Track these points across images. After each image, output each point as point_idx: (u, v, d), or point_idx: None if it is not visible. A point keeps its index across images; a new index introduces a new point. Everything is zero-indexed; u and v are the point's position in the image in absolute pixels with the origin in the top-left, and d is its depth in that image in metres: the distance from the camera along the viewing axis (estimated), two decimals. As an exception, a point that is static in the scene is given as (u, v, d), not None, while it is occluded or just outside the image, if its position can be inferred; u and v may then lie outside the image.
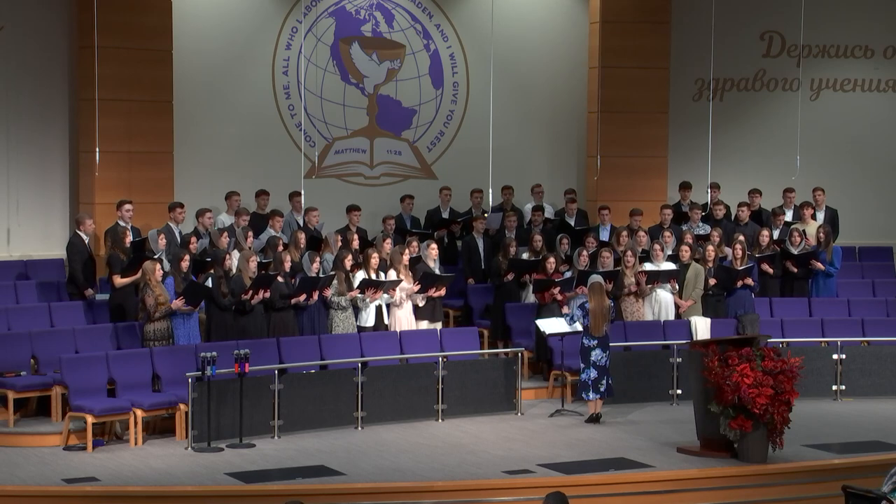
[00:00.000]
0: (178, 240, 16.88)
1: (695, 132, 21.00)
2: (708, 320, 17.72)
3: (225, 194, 18.20)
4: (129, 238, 16.44)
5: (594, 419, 15.83)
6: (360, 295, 16.53)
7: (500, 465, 13.72)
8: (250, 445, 14.54)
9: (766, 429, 13.94)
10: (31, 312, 16.13)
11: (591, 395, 15.77)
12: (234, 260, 16.18)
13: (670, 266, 17.84)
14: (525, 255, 18.29)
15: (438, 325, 17.21)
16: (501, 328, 17.95)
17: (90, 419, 14.16)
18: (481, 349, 17.32)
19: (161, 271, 15.50)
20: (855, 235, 20.84)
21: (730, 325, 17.80)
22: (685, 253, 17.87)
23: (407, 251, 17.15)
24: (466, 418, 16.03)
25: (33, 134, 18.03)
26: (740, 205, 19.59)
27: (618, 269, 17.66)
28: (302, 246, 16.91)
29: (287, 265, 16.34)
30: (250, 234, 17.13)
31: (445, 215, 19.65)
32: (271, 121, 19.47)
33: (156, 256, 16.02)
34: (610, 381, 15.82)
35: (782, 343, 17.32)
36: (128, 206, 16.91)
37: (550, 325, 16.38)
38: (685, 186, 20.28)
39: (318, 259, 16.50)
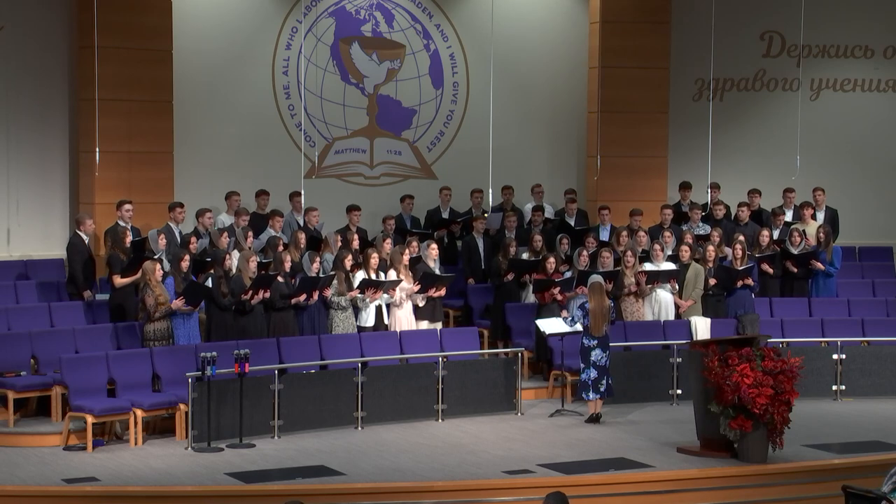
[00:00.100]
0: (178, 240, 16.88)
1: (695, 132, 21.00)
2: (708, 320, 17.72)
3: (225, 194, 18.20)
4: (129, 238, 16.44)
5: (594, 419, 15.83)
6: (359, 295, 16.53)
7: (500, 465, 13.72)
8: (250, 445, 14.54)
9: (766, 429, 13.94)
10: (31, 312, 16.13)
11: (591, 395, 15.77)
12: (234, 260, 16.18)
13: (670, 266, 17.84)
14: (525, 255, 18.29)
15: (438, 325, 17.21)
16: (501, 328, 17.95)
17: (90, 419, 14.16)
18: (481, 349, 17.32)
19: (161, 271, 15.50)
20: (855, 235, 20.84)
21: (730, 325, 17.80)
22: (685, 253, 17.87)
23: (407, 251, 17.15)
24: (466, 418, 16.03)
25: (33, 134, 18.03)
26: (740, 205, 19.60)
27: (618, 269, 17.66)
28: (302, 246, 16.90)
29: (287, 265, 16.34)
30: (250, 234, 17.13)
31: (445, 215, 19.65)
32: (271, 121, 19.47)
33: (156, 256, 16.02)
34: (610, 381, 15.82)
35: (782, 343, 17.32)
36: (128, 206, 16.91)
37: (550, 325, 16.38)
38: (685, 186, 20.28)
39: (318, 259, 16.50)
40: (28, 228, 18.05)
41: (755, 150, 21.63)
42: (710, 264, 17.97)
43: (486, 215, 19.37)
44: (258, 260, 16.28)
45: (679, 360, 16.87)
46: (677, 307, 17.82)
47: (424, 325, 17.05)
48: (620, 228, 18.82)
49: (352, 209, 18.49)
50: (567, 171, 21.08)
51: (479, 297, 18.62)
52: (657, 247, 17.92)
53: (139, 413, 14.46)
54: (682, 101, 21.21)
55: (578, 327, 15.91)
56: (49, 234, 18.11)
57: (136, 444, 14.45)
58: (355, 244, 17.29)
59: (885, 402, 17.26)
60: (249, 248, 16.86)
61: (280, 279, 16.10)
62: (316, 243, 17.42)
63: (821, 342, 17.94)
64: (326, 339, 16.23)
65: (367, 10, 19.96)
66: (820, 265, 18.87)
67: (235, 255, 16.35)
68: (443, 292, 17.21)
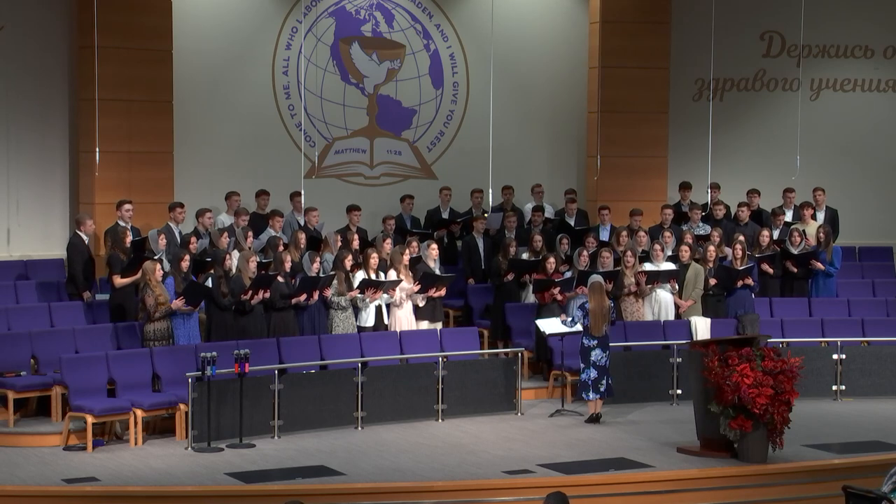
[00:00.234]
0: (178, 240, 16.88)
1: (695, 132, 21.00)
2: (708, 320, 17.72)
3: (225, 194, 18.20)
4: (130, 238, 16.44)
5: (594, 419, 15.83)
6: (359, 295, 16.53)
7: (500, 465, 13.72)
8: (250, 445, 14.54)
9: (766, 429, 13.94)
10: (31, 312, 16.13)
11: (591, 395, 15.77)
12: (234, 260, 16.18)
13: (670, 266, 17.84)
14: (525, 255, 18.29)
15: (439, 325, 17.20)
16: (501, 328, 17.95)
17: (90, 419, 14.16)
18: (481, 349, 17.32)
19: (161, 271, 15.50)
20: (855, 235, 20.84)
21: (730, 325, 17.79)
22: (685, 253, 17.87)
23: (407, 251, 17.15)
24: (466, 418, 16.03)
25: (33, 134, 18.03)
26: (740, 205, 19.60)
27: (618, 269, 17.66)
28: (302, 246, 16.90)
29: (287, 265, 16.34)
30: (250, 234, 17.13)
31: (445, 215, 19.65)
32: (271, 121, 19.47)
33: (156, 257, 16.02)
34: (610, 381, 15.82)
35: (782, 343, 17.32)
36: (128, 206, 16.91)
37: (550, 325, 16.38)
38: (685, 186, 20.28)
39: (318, 259, 16.50)
40: (28, 228, 18.05)
41: (755, 150, 21.63)
42: (710, 264, 17.97)
43: (486, 215, 19.37)
44: (258, 260, 16.28)
45: (679, 360, 16.87)
46: (677, 307, 17.82)
47: (424, 325, 17.05)
48: (620, 228, 18.82)
49: (352, 209, 18.49)
50: (567, 171, 21.08)
51: (479, 297, 18.62)
52: (657, 247, 17.92)
53: (139, 413, 14.46)
54: (682, 101, 21.21)
55: (578, 327, 15.91)
56: (49, 234, 18.11)
57: (136, 444, 14.45)
58: (355, 244, 17.29)
59: (885, 402, 17.26)
60: (249, 248, 16.86)
61: (280, 279, 16.10)
62: (316, 243, 17.42)
63: (821, 342, 17.94)
64: (326, 339, 16.23)
65: (367, 10, 19.96)
66: (820, 265, 18.87)
67: (235, 255, 16.35)
68: (443, 292, 17.21)
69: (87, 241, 16.51)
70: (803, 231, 18.97)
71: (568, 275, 17.54)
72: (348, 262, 16.67)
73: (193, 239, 16.58)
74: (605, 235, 19.25)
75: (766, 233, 18.87)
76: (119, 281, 15.96)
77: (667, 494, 13.23)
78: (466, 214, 19.66)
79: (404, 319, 16.91)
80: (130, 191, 17.72)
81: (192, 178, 18.71)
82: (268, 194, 18.53)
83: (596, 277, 16.31)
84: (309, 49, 19.57)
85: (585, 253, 17.80)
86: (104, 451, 14.22)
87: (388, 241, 17.51)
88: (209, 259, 16.28)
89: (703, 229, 19.10)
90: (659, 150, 20.81)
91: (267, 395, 14.95)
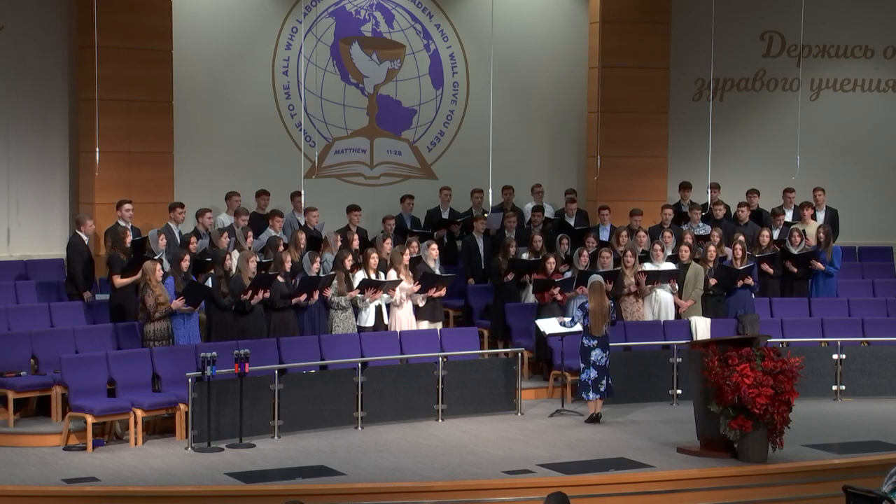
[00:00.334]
0: (178, 240, 16.88)
1: (695, 132, 21.00)
2: (708, 320, 17.72)
3: (225, 194, 18.20)
4: (130, 238, 16.43)
5: (594, 419, 15.82)
6: (359, 295, 16.53)
7: (500, 465, 13.72)
8: (250, 445, 14.53)
9: (766, 429, 13.93)
10: (31, 312, 16.13)
11: (591, 395, 15.77)
12: (234, 260, 16.18)
13: (670, 266, 17.84)
14: (525, 255, 18.29)
15: (439, 325, 17.20)
16: (501, 328, 17.95)
17: (90, 419, 14.15)
18: (481, 349, 17.32)
19: (161, 271, 15.50)
20: (855, 235, 20.84)
21: (730, 325, 17.79)
22: (685, 253, 17.87)
23: (407, 251, 17.15)
24: (466, 418, 16.03)
25: (33, 134, 18.03)
26: (740, 205, 19.60)
27: (618, 269, 17.66)
28: (302, 246, 16.90)
29: (287, 265, 16.34)
30: (250, 234, 17.13)
31: (445, 215, 19.65)
32: (271, 121, 19.47)
33: (156, 257, 16.02)
34: (610, 381, 15.82)
35: (782, 343, 17.32)
36: (128, 206, 16.91)
37: (550, 325, 16.38)
38: (685, 186, 20.28)
39: (318, 259, 16.50)
40: (28, 228, 18.05)
41: (755, 150, 21.63)
42: (710, 264, 17.97)
43: (486, 215, 19.37)
44: (258, 260, 16.28)
45: (679, 360, 16.87)
46: (677, 307, 17.82)
47: (425, 325, 17.05)
48: (620, 228, 18.82)
49: (352, 209, 18.49)
50: (567, 171, 21.08)
51: (479, 297, 18.62)
52: (657, 247, 17.92)
53: (139, 413, 14.46)
54: (682, 101, 21.21)
55: (578, 328, 15.90)
56: (49, 235, 18.11)
57: (136, 444, 14.45)
58: (355, 244, 17.29)
59: (885, 402, 17.26)
60: (249, 248, 16.86)
61: (280, 279, 16.10)
62: (316, 243, 17.42)
63: (821, 342, 17.94)
64: (326, 339, 16.23)
65: (367, 10, 19.96)
66: (820, 265, 18.87)
67: (235, 255, 16.35)
68: (443, 292, 17.21)
69: (86, 242, 16.50)
70: (803, 231, 18.97)
71: (568, 275, 17.54)
72: (348, 262, 16.67)
73: (193, 239, 16.58)
74: (605, 235, 19.24)
75: (766, 233, 18.87)
76: (119, 281, 15.96)
77: (667, 494, 13.23)
78: (466, 214, 19.66)
79: (404, 319, 16.90)
80: (130, 191, 17.72)
81: (192, 178, 18.71)
82: (268, 194, 18.53)
83: (596, 277, 16.31)
84: (309, 49, 19.57)
85: (586, 253, 17.80)
86: (104, 451, 14.22)
87: (388, 241, 17.51)
88: (209, 259, 16.28)
89: (703, 229, 19.10)
90: (659, 150, 20.81)
91: (267, 395, 14.95)
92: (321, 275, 16.41)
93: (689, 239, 18.24)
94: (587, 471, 13.56)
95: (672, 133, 20.94)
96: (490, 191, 19.93)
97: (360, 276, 16.63)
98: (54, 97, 18.13)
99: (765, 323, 17.95)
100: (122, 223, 16.78)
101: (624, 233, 18.62)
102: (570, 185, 20.74)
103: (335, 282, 16.42)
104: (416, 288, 16.91)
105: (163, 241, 16.48)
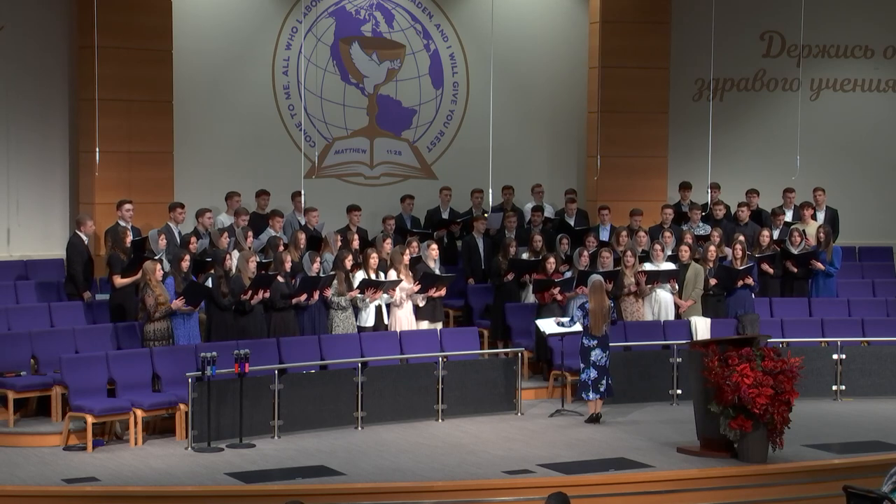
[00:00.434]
0: (178, 240, 16.87)
1: (695, 132, 21.00)
2: (708, 320, 17.71)
3: (225, 194, 18.20)
4: (130, 238, 16.43)
5: (594, 419, 15.82)
6: (359, 295, 16.53)
7: (500, 465, 13.72)
8: (250, 445, 14.53)
9: (766, 429, 13.93)
10: (31, 312, 16.13)
11: (591, 395, 15.77)
12: (234, 260, 16.18)
13: (670, 266, 17.84)
14: (525, 255, 18.29)
15: (439, 325, 17.20)
16: (501, 328, 17.95)
17: (90, 419, 14.15)
18: (481, 349, 17.32)
19: (161, 271, 15.50)
20: (855, 235, 20.84)
21: (730, 325, 17.80)
22: (685, 253, 17.87)
23: (407, 251, 17.15)
24: (466, 418, 16.03)
25: (33, 134, 18.03)
26: (740, 205, 19.60)
27: (618, 269, 17.66)
28: (302, 246, 16.90)
29: (287, 265, 16.34)
30: (250, 234, 17.13)
31: (445, 215, 19.65)
32: (271, 121, 19.47)
33: (156, 257, 16.02)
34: (610, 381, 15.82)
35: (782, 343, 17.32)
36: (128, 206, 16.91)
37: (550, 325, 16.37)
38: (685, 186, 20.28)
39: (318, 259, 16.50)
40: (28, 228, 18.05)
41: (755, 150, 21.63)
42: (710, 264, 17.97)
43: (486, 215, 19.37)
44: (258, 260, 16.28)
45: (679, 360, 16.87)
46: (677, 307, 17.82)
47: (425, 325, 17.05)
48: (620, 228, 18.82)
49: (352, 209, 18.49)
50: (567, 171, 21.08)
51: (479, 297, 18.62)
52: (657, 247, 17.92)
53: (139, 413, 14.46)
54: (682, 101, 21.21)
55: (578, 327, 15.90)
56: (49, 235, 18.11)
57: (136, 444, 14.45)
58: (355, 244, 17.29)
59: (885, 402, 17.26)
60: (249, 248, 16.86)
61: (280, 279, 16.10)
62: (316, 243, 17.42)
63: (821, 342, 17.94)
64: (326, 339, 16.23)
65: (367, 10, 19.96)
66: (820, 265, 18.87)
67: (235, 255, 16.35)
68: (443, 292, 17.21)
69: (86, 242, 16.50)
70: (803, 231, 18.97)
71: (568, 275, 17.54)
72: (348, 262, 16.67)
73: (193, 239, 16.58)
74: (605, 235, 19.24)
75: (766, 233, 18.87)
76: (119, 281, 15.96)
77: (667, 494, 13.23)
78: (466, 214, 19.66)
79: (404, 319, 16.90)
80: (130, 191, 17.72)
81: (192, 178, 18.71)
82: (268, 194, 18.53)
83: (596, 277, 16.29)
84: (309, 49, 19.57)
85: (586, 253, 17.80)
86: (104, 451, 14.22)
87: (388, 241, 17.51)
88: (209, 259, 16.28)
89: (703, 229, 19.10)
90: (659, 150, 20.81)
91: (267, 395, 14.95)
92: (321, 275, 16.41)
93: (689, 239, 18.24)
94: (587, 471, 13.56)
95: (672, 133, 20.94)
96: (490, 191, 19.93)
97: (360, 276, 16.63)
98: (54, 97, 18.13)
99: (765, 323, 17.95)
100: (122, 223, 16.78)
101: (624, 233, 18.62)
102: (570, 185, 20.74)
103: (335, 282, 16.42)
104: (416, 288, 16.91)
105: (163, 241, 16.48)
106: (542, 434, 15.32)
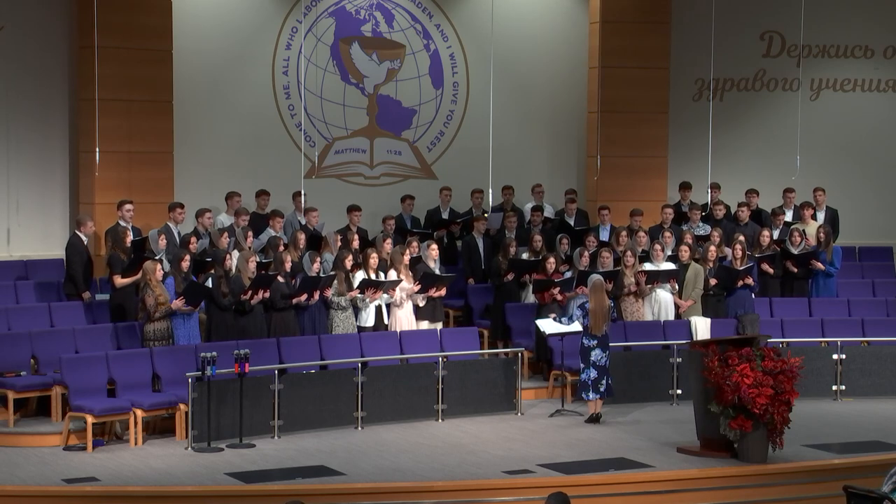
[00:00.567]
0: (177, 240, 16.87)
1: (695, 132, 21.00)
2: (708, 320, 17.71)
3: (225, 194, 18.20)
4: (130, 238, 16.44)
5: (594, 419, 15.82)
6: (359, 295, 16.53)
7: (500, 465, 13.72)
8: (250, 445, 14.53)
9: (766, 429, 13.93)
10: (30, 312, 16.13)
11: (591, 395, 15.77)
12: (234, 260, 16.18)
13: (670, 266, 17.84)
14: (525, 255, 18.29)
15: (439, 325, 17.20)
16: (501, 328, 17.95)
17: (90, 419, 14.15)
18: (481, 349, 17.32)
19: (161, 271, 15.50)
20: (855, 235, 20.84)
21: (730, 325, 17.80)
22: (685, 253, 17.87)
23: (407, 251, 17.15)
24: (466, 418, 16.03)
25: (33, 134, 18.03)
26: (740, 205, 19.60)
27: (617, 269, 17.65)
28: (301, 246, 16.90)
29: (287, 265, 16.34)
30: (250, 234, 17.13)
31: (445, 215, 19.65)
32: (271, 121, 19.47)
33: (156, 257, 16.02)
34: (610, 381, 15.82)
35: (782, 343, 17.32)
36: (128, 206, 16.92)
37: (550, 325, 16.37)
38: (685, 186, 20.29)
39: (318, 259, 16.50)
40: (28, 228, 18.05)
41: (755, 150, 21.63)
42: (710, 264, 17.97)
43: (486, 215, 19.37)
44: (258, 260, 16.28)
45: (679, 360, 16.87)
46: (677, 307, 17.82)
47: (425, 325, 17.05)
48: (620, 228, 18.82)
49: (352, 209, 18.50)
50: (567, 171, 21.08)
51: (479, 297, 18.62)
52: (657, 247, 17.92)
53: (139, 413, 14.46)
54: (682, 101, 21.21)
55: (577, 327, 15.90)
56: (49, 235, 18.11)
57: (136, 444, 14.45)
58: (355, 244, 17.28)
59: (885, 402, 17.25)
60: (249, 248, 16.86)
61: (280, 279, 16.10)
62: (316, 243, 17.42)
63: (821, 342, 17.94)
64: (326, 339, 16.23)
65: (367, 10, 19.96)
66: (820, 265, 18.87)
67: (235, 255, 16.35)
68: (443, 292, 17.21)
69: (85, 242, 16.50)
70: (803, 231, 18.97)
71: (568, 275, 17.54)
72: (348, 262, 16.67)
73: (193, 239, 16.58)
74: (605, 235, 19.24)
75: (766, 233, 18.87)
76: (119, 281, 15.96)
77: (667, 494, 13.23)
78: (466, 214, 19.66)
79: (404, 319, 16.90)
80: (130, 191, 17.72)
81: (192, 178, 18.71)
82: (268, 194, 18.53)
83: (596, 276, 16.28)
84: (309, 49, 19.57)
85: (587, 253, 17.80)
86: (104, 451, 14.22)
87: (388, 241, 17.51)
88: (209, 259, 16.28)
89: (703, 229, 19.10)
90: (659, 150, 20.81)
91: (267, 395, 14.95)
92: (321, 275, 16.41)
93: (689, 239, 18.24)
94: (587, 471, 13.56)
95: (672, 133, 20.94)
96: (490, 191, 19.93)
97: (360, 276, 16.63)
98: (54, 97, 18.13)
99: (765, 323, 17.95)
100: (122, 223, 16.78)
101: (624, 233, 18.62)
102: (570, 185, 20.74)
103: (335, 282, 16.42)
104: (417, 288, 16.91)
105: (163, 242, 16.48)
106: (542, 434, 15.32)
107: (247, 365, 14.54)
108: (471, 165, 20.17)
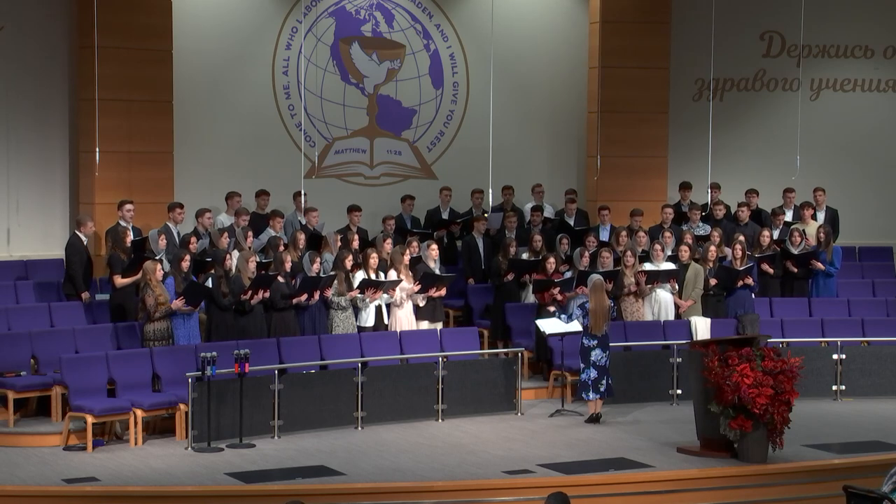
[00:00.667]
0: (177, 240, 16.87)
1: (695, 132, 21.00)
2: (708, 320, 17.71)
3: (225, 195, 18.20)
4: (130, 238, 16.44)
5: (594, 419, 15.82)
6: (359, 295, 16.53)
7: (500, 465, 13.72)
8: (250, 445, 14.53)
9: (766, 429, 13.93)
10: (30, 312, 16.13)
11: (591, 395, 15.77)
12: (234, 260, 16.18)
13: (670, 266, 17.84)
14: (525, 255, 18.29)
15: (439, 325, 17.20)
16: (501, 328, 17.95)
17: (90, 419, 14.15)
18: (481, 349, 17.32)
19: (161, 271, 15.50)
20: (855, 235, 20.84)
21: (730, 325, 17.79)
22: (685, 253, 17.87)
23: (407, 251, 17.15)
24: (466, 418, 16.03)
25: (33, 134, 18.03)
26: (740, 205, 19.60)
27: (617, 269, 17.65)
28: (301, 246, 16.90)
29: (287, 265, 16.34)
30: (250, 234, 17.13)
31: (445, 215, 19.65)
32: (271, 121, 19.47)
33: (157, 257, 16.02)
34: (610, 381, 15.82)
35: (782, 343, 17.32)
36: (129, 206, 16.92)
37: (550, 325, 16.37)
38: (685, 186, 20.29)
39: (318, 259, 16.50)
40: (28, 228, 18.05)
41: (755, 150, 21.63)
42: (710, 264, 17.97)
43: (486, 215, 19.37)
44: (258, 260, 16.28)
45: (679, 360, 16.87)
46: (677, 307, 17.82)
47: (425, 325, 17.05)
48: (620, 228, 18.82)
49: (353, 210, 18.50)
50: (567, 171, 21.08)
51: (479, 297, 18.62)
52: (657, 247, 17.92)
53: (139, 413, 14.46)
54: (682, 101, 21.21)
55: (577, 326, 15.90)
56: (49, 235, 18.10)
57: (136, 444, 14.45)
58: (355, 244, 17.28)
59: (885, 402, 17.26)
60: (249, 248, 16.86)
61: (280, 279, 16.10)
62: (316, 243, 17.42)
63: (821, 342, 17.94)
64: (326, 339, 16.23)
65: (367, 10, 19.96)
66: (820, 265, 18.87)
67: (235, 255, 16.35)
68: (443, 292, 17.21)
69: (85, 242, 16.50)
70: (803, 231, 18.97)
71: (568, 275, 17.54)
72: (348, 262, 16.67)
73: (193, 239, 16.59)
74: (604, 235, 19.24)
75: (766, 233, 18.88)
76: (120, 281, 15.96)
77: (667, 494, 13.23)
78: (466, 214, 19.66)
79: (404, 319, 16.90)
80: (130, 191, 17.72)
81: (192, 178, 18.71)
82: (268, 194, 18.53)
83: (596, 276, 16.28)
84: (309, 49, 19.57)
85: (587, 253, 17.80)
86: (104, 451, 14.22)
87: (389, 241, 17.51)
88: (209, 259, 16.28)
89: (703, 229, 19.10)
90: (659, 150, 20.81)
91: (267, 395, 14.95)
92: (321, 275, 16.41)
93: (689, 239, 18.24)
94: (587, 471, 13.56)
95: (672, 133, 20.94)
96: (490, 191, 19.92)
97: (360, 276, 16.63)
98: (54, 97, 18.13)
99: (765, 323, 17.95)
100: (122, 223, 16.78)
101: (624, 233, 18.62)
102: (570, 185, 20.74)
103: (335, 282, 16.42)
104: (417, 288, 16.91)
105: (163, 242, 16.48)
106: (542, 434, 15.32)
107: (247, 365, 14.54)
108: (471, 165, 20.17)
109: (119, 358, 14.95)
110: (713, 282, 17.93)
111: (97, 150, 17.62)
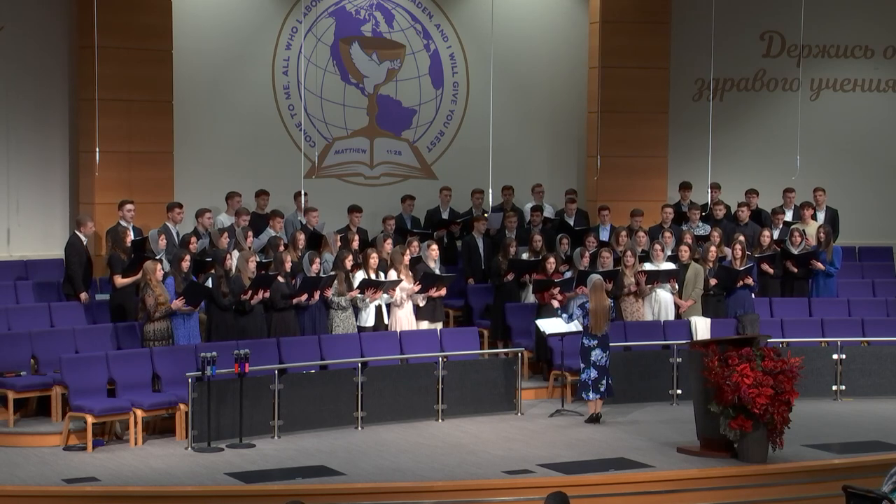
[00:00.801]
0: (176, 240, 16.87)
1: (695, 132, 20.99)
2: (708, 320, 17.71)
3: (225, 195, 18.19)
4: (130, 238, 16.44)
5: (594, 419, 15.82)
6: (359, 295, 16.53)
7: (500, 465, 13.72)
8: (250, 445, 14.53)
9: (766, 429, 13.93)
10: (30, 312, 16.13)
11: (591, 395, 15.77)
12: (234, 260, 16.18)
13: (670, 266, 17.84)
14: (525, 255, 18.29)
15: (439, 325, 17.21)
16: (501, 328, 17.95)
17: (90, 419, 14.16)
18: (481, 349, 17.32)
19: (161, 271, 15.50)
20: (855, 235, 20.84)
21: (730, 325, 17.80)
22: (685, 253, 17.87)
23: (407, 251, 17.15)
24: (466, 418, 16.03)
25: (33, 134, 18.03)
26: (740, 205, 19.60)
27: (617, 269, 17.65)
28: (301, 246, 16.90)
29: (288, 265, 16.34)
30: (250, 234, 17.14)
31: (445, 215, 19.65)
32: (271, 121, 19.47)
33: (157, 257, 16.02)
34: (610, 381, 15.82)
35: (782, 343, 17.32)
36: (129, 206, 16.92)
37: (550, 325, 16.38)
38: (685, 186, 20.29)
39: (318, 259, 16.50)
40: (28, 228, 18.04)
41: (755, 150, 21.63)
42: (710, 264, 17.97)
43: (486, 215, 19.37)
44: (258, 260, 16.28)
45: (679, 360, 16.87)
46: (677, 307, 17.82)
47: (425, 325, 17.05)
48: (620, 228, 18.82)
49: (353, 210, 18.50)
50: (567, 171, 21.08)
51: (479, 297, 18.62)
52: (657, 247, 17.92)
53: (139, 413, 14.46)
54: (682, 101, 21.21)
55: (577, 326, 15.90)
56: (49, 235, 18.10)
57: (136, 444, 14.45)
58: (355, 244, 17.29)
59: (885, 402, 17.26)
60: (249, 248, 16.87)
61: (280, 279, 16.10)
62: (316, 243, 17.42)
63: (821, 342, 17.94)
64: (326, 339, 16.23)
65: (367, 10, 19.96)
66: (820, 265, 18.87)
67: (235, 255, 16.35)
68: (443, 292, 17.21)
69: (85, 242, 16.49)
70: (803, 231, 18.97)
71: (568, 275, 17.54)
72: (348, 263, 16.67)
73: (193, 239, 16.59)
74: (604, 235, 19.24)
75: (766, 233, 18.88)
76: (120, 281, 15.96)
77: (667, 494, 13.23)
78: (466, 214, 19.66)
79: (404, 319, 16.91)
80: (130, 191, 17.72)
81: (192, 178, 18.71)
82: (268, 194, 18.53)
83: (596, 276, 16.28)
84: (309, 49, 19.57)
85: (587, 253, 17.80)
86: (104, 451, 14.22)
87: (389, 241, 17.51)
88: (209, 259, 16.28)
89: (703, 229, 19.10)
90: (659, 150, 20.81)
91: (267, 395, 14.95)
92: (321, 275, 16.41)
93: (688, 239, 18.24)
94: (587, 471, 13.57)
95: (672, 133, 20.94)
96: (490, 191, 19.92)
97: (360, 276, 16.63)
98: (54, 97, 18.13)
99: (765, 323, 17.95)
100: (123, 223, 16.78)
101: (624, 233, 18.62)
102: (570, 185, 20.74)
103: (335, 282, 16.42)
104: (417, 288, 16.91)
105: (163, 242, 16.48)
106: (542, 434, 15.32)
107: (247, 365, 14.55)
108: (471, 165, 20.17)
109: (119, 358, 14.95)
110: (713, 282, 17.94)
111: (97, 150, 17.62)
